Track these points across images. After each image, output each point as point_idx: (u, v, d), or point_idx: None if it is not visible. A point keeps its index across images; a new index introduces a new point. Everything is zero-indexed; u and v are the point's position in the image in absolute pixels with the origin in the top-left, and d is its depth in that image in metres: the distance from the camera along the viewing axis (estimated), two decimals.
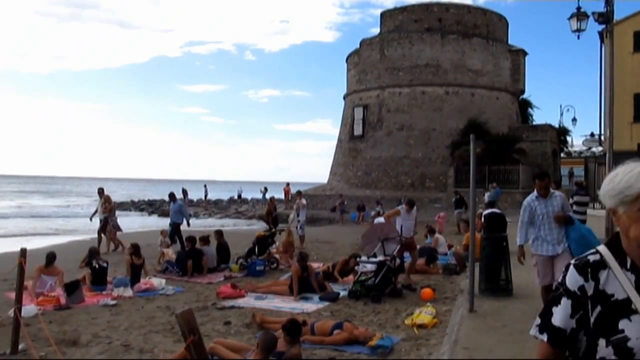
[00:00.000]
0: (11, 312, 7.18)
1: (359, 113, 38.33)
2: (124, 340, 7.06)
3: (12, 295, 7.66)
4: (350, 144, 38.99)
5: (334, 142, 42.65)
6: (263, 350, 5.05)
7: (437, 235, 15.10)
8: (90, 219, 16.57)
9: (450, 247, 14.70)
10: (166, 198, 57.51)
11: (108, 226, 15.86)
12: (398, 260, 10.19)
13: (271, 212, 19.54)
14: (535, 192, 6.86)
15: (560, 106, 54.57)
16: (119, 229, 16.48)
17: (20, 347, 6.56)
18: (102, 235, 15.84)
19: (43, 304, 8.85)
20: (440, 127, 35.49)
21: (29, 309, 7.99)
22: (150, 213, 43.33)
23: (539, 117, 44.91)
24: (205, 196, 51.87)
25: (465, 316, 7.45)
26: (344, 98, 41.92)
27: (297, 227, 17.47)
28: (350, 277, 10.93)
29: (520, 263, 7.05)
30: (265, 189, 44.25)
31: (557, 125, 40.44)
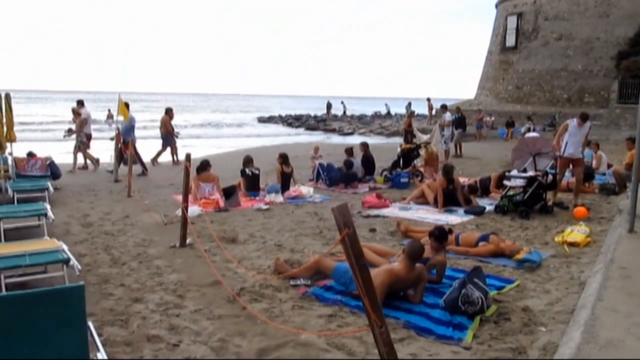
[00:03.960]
0: (178, 211, 7.98)
1: (512, 22, 35.71)
2: (276, 240, 7.59)
3: (179, 197, 8.48)
4: (502, 56, 36.73)
5: (484, 55, 40.47)
6: (409, 257, 5.16)
7: (599, 152, 14.08)
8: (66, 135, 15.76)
9: (609, 166, 13.69)
10: (312, 112, 59.31)
11: (76, 143, 14.63)
12: (550, 177, 9.71)
13: (409, 125, 19.35)
14: None
15: None
16: (87, 146, 14.77)
17: (187, 241, 7.33)
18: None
19: (205, 206, 9.69)
20: (605, 35, 32.06)
21: (194, 209, 8.83)
22: (297, 127, 44.88)
23: None
24: (344, 112, 52.33)
25: (624, 236, 6.99)
26: (496, 6, 39.19)
27: (441, 142, 17.22)
28: (497, 193, 10.67)
29: None
30: (410, 104, 43.62)
31: None
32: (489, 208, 9.71)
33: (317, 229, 8.27)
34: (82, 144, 14.60)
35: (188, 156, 7.55)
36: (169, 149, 16.26)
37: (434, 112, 36.39)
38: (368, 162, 13.38)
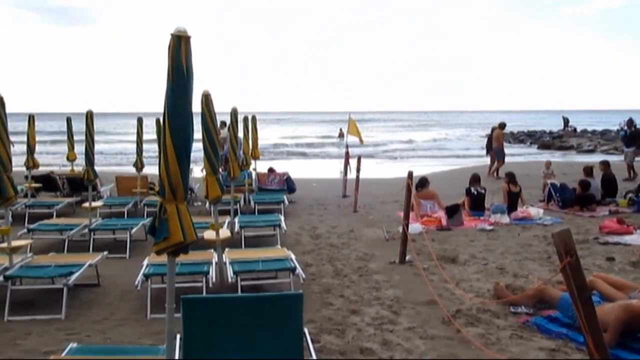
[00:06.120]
0: (400, 228, 8.08)
1: None
2: (499, 263, 7.24)
3: (402, 214, 8.61)
4: None
5: None
6: None
7: None
8: None
9: None
10: (548, 128, 55.54)
11: None
12: None
13: None
14: None
15: None
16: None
17: (407, 258, 7.39)
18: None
19: (427, 223, 9.68)
20: None
21: (415, 227, 8.87)
22: (530, 144, 42.44)
23: None
24: (574, 128, 47.45)
25: None
26: None
27: None
28: None
29: None
30: None
31: None
32: None
33: (544, 253, 7.71)
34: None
35: (410, 174, 7.63)
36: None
37: None
38: (609, 182, 12.12)
